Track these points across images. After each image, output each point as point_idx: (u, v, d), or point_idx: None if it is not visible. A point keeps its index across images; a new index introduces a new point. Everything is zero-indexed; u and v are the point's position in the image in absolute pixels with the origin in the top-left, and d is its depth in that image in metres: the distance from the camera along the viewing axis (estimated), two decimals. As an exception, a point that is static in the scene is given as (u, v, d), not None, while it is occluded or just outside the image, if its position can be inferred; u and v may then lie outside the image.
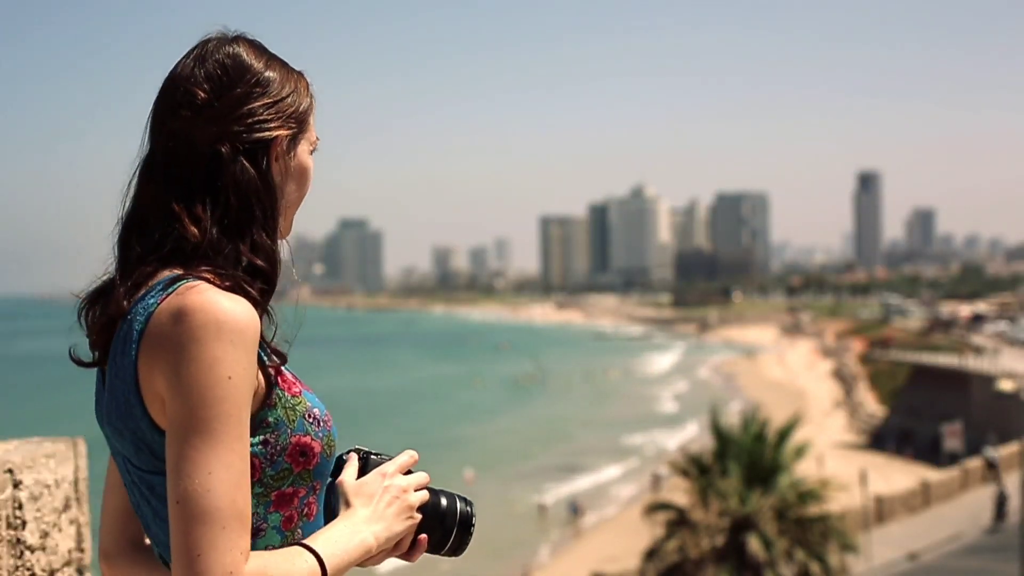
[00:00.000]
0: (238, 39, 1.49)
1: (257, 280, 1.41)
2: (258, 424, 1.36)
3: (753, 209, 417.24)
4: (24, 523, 2.30)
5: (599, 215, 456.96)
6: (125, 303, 1.37)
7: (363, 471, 1.52)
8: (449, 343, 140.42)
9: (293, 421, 1.39)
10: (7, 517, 2.26)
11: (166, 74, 1.47)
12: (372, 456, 1.54)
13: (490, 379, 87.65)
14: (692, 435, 51.31)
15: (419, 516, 1.52)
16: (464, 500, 1.56)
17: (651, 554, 21.06)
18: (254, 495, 1.35)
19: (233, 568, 1.25)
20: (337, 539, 1.40)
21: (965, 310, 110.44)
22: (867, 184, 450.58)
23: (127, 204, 1.46)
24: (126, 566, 1.55)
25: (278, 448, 1.38)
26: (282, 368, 1.42)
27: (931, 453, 43.89)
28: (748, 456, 21.22)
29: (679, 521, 20.98)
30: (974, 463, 36.30)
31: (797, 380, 78.06)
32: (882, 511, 31.26)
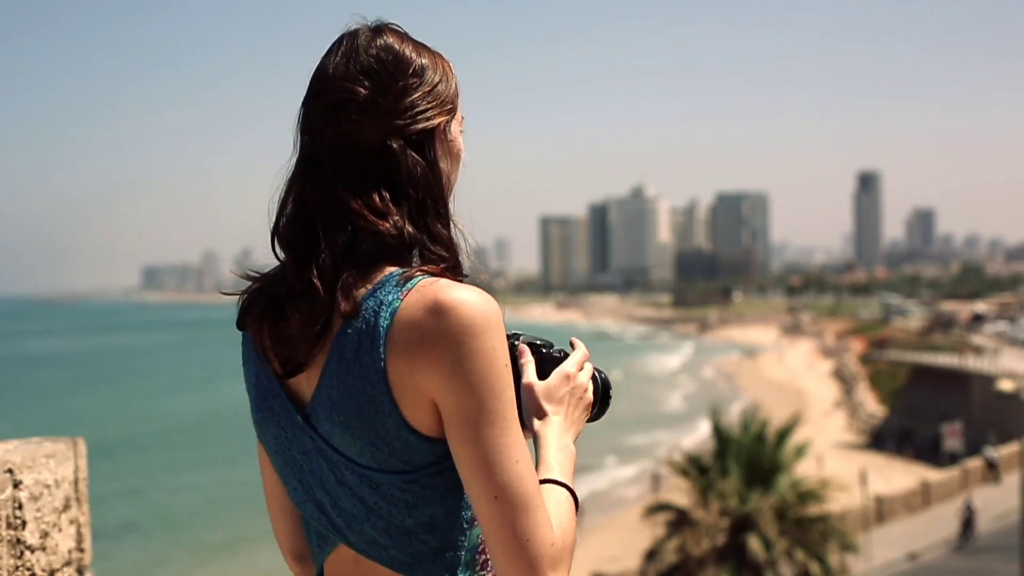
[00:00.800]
0: (382, 29, 1.48)
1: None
2: None
3: (753, 209, 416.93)
4: (24, 523, 2.30)
5: (599, 215, 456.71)
6: (354, 304, 1.35)
7: (538, 365, 1.55)
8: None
9: None
10: (7, 517, 2.26)
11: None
12: (543, 350, 1.58)
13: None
14: (705, 435, 51.08)
15: None
16: (599, 370, 1.62)
17: (651, 554, 21.07)
18: None
19: (552, 539, 1.32)
20: (562, 461, 1.46)
21: (965, 310, 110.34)
22: (867, 184, 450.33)
23: (292, 206, 1.44)
24: None
25: None
26: None
27: (931, 453, 43.86)
28: (748, 456, 21.23)
29: (679, 521, 20.99)
30: (974, 463, 36.29)
31: (797, 380, 77.91)
32: (882, 511, 31.25)
